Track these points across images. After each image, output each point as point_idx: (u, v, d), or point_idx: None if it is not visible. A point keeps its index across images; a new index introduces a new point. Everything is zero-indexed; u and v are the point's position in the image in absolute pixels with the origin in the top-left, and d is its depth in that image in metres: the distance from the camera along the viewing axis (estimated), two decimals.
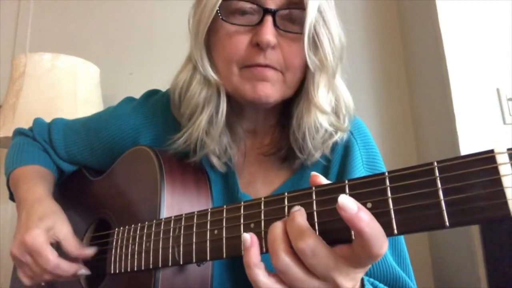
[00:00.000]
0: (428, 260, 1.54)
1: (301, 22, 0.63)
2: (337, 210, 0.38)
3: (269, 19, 0.62)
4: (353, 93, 0.75)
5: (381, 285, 0.65)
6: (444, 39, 1.37)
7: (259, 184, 0.78)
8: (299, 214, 0.43)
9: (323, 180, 0.47)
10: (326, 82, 0.67)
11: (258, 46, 0.63)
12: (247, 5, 0.63)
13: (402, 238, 0.74)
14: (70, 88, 1.53)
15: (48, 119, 1.00)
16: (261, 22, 0.62)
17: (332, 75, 0.68)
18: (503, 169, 0.33)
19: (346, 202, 0.38)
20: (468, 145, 1.29)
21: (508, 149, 0.33)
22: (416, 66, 1.63)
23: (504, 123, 1.31)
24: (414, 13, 1.63)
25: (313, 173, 0.48)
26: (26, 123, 1.36)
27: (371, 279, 0.66)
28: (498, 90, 1.33)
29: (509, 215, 0.32)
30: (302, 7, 0.63)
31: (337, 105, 0.72)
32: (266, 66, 0.64)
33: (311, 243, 0.41)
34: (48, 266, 0.69)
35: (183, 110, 0.74)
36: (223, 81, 0.69)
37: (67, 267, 0.70)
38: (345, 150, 0.75)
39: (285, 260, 0.42)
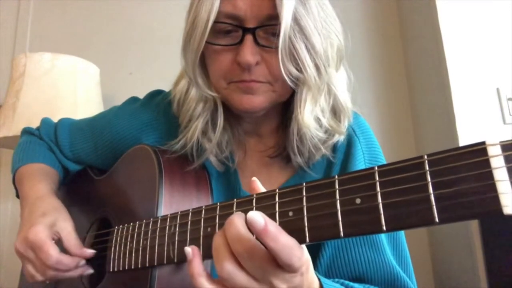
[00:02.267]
0: (428, 260, 1.53)
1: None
2: (248, 226, 0.41)
3: (249, 38, 0.62)
4: (352, 93, 0.75)
5: (356, 285, 0.65)
6: (444, 39, 1.37)
7: (261, 183, 0.77)
8: (237, 217, 0.44)
9: (260, 186, 0.52)
10: (312, 95, 0.66)
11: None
12: (229, 26, 0.63)
13: (403, 237, 0.74)
14: (70, 88, 1.53)
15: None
16: (241, 41, 0.63)
17: (317, 87, 0.66)
18: (495, 162, 0.32)
19: (254, 217, 0.40)
20: None
21: (501, 141, 0.32)
22: (416, 66, 1.63)
23: (504, 123, 1.31)
24: (414, 13, 1.63)
25: (253, 178, 0.52)
26: (26, 123, 1.36)
27: (341, 280, 0.66)
28: (498, 90, 1.33)
29: (500, 210, 0.31)
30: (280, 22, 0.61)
31: (336, 107, 0.72)
32: (251, 81, 0.64)
33: (248, 246, 0.42)
34: (49, 262, 0.69)
35: (181, 119, 0.76)
36: (216, 92, 0.69)
37: (68, 263, 0.71)
38: (348, 149, 0.74)
39: (228, 267, 0.43)
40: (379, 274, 0.68)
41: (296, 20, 0.61)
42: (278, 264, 0.42)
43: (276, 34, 0.62)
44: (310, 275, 0.49)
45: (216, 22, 0.62)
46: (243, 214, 0.44)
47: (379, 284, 0.68)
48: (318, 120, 0.69)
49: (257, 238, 0.42)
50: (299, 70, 0.63)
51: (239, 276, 0.43)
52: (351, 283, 0.65)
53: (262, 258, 0.42)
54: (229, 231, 0.44)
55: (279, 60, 0.61)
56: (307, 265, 0.46)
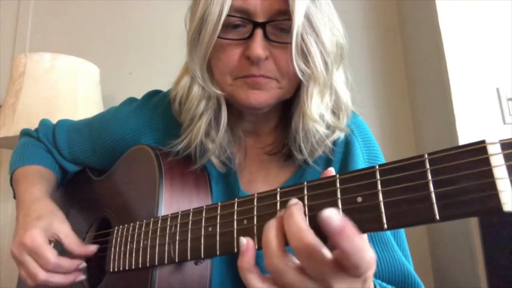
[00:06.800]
0: (428, 260, 1.53)
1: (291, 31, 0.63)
2: (320, 224, 0.37)
3: (259, 32, 0.62)
4: (353, 93, 0.75)
5: (389, 286, 0.65)
6: (444, 39, 1.37)
7: (260, 183, 0.78)
8: (297, 209, 0.41)
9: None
10: (319, 90, 0.67)
11: (250, 59, 0.63)
12: (238, 19, 0.63)
13: (403, 233, 0.74)
14: (70, 88, 1.53)
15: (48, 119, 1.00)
16: (251, 36, 0.63)
17: (324, 83, 0.66)
18: (494, 160, 0.32)
19: (331, 216, 0.36)
20: None
21: (501, 140, 0.32)
22: (416, 66, 1.63)
23: (504, 123, 1.31)
24: (414, 13, 1.63)
25: (330, 169, 0.47)
26: (26, 123, 1.36)
27: (384, 284, 0.65)
28: (498, 90, 1.33)
29: (500, 207, 0.31)
30: (290, 17, 0.62)
31: (337, 105, 0.72)
32: (260, 76, 0.64)
33: (309, 243, 0.39)
34: (49, 266, 0.68)
35: (183, 118, 0.75)
36: (220, 89, 0.69)
37: (68, 265, 0.70)
38: (346, 148, 0.75)
39: (280, 263, 0.41)
40: (390, 273, 0.68)
41: (308, 17, 0.62)
42: (340, 266, 0.39)
43: (285, 30, 0.63)
44: (368, 284, 0.45)
45: (227, 15, 0.62)
46: (301, 203, 0.43)
47: (390, 283, 0.68)
48: (322, 116, 0.69)
49: (324, 236, 0.39)
50: (309, 66, 0.64)
51: (290, 272, 0.41)
52: (385, 284, 0.64)
53: (323, 258, 0.39)
54: (289, 225, 0.41)
55: (292, 56, 0.62)
56: (372, 271, 0.43)
